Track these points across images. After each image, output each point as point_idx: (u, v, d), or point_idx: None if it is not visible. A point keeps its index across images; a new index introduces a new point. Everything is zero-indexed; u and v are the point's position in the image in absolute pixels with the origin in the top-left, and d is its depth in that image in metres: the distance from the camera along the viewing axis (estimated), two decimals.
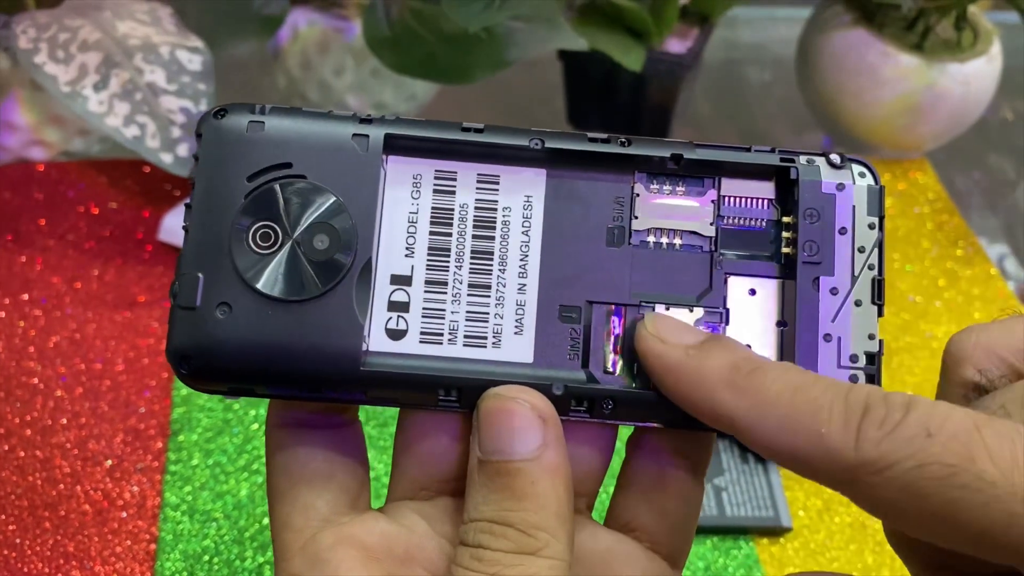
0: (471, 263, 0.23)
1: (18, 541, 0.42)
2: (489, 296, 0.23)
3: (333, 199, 0.23)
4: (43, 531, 0.42)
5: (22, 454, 0.44)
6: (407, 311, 0.23)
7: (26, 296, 0.49)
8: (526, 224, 0.24)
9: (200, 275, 0.23)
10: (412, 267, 0.23)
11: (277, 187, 0.23)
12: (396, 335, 0.23)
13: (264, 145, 0.23)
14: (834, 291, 0.23)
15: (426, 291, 0.23)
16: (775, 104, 0.74)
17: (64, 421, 0.45)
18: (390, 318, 0.23)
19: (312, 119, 0.23)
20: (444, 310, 0.23)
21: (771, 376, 0.20)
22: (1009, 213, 0.68)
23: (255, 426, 0.46)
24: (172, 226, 0.50)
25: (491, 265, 0.23)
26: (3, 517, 0.43)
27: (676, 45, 0.59)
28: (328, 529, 0.23)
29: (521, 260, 0.24)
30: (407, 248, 0.23)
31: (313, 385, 0.23)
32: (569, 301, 0.23)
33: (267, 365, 0.22)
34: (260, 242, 0.23)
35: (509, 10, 0.49)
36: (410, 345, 0.23)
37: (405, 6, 0.52)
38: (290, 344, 0.22)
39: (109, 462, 0.44)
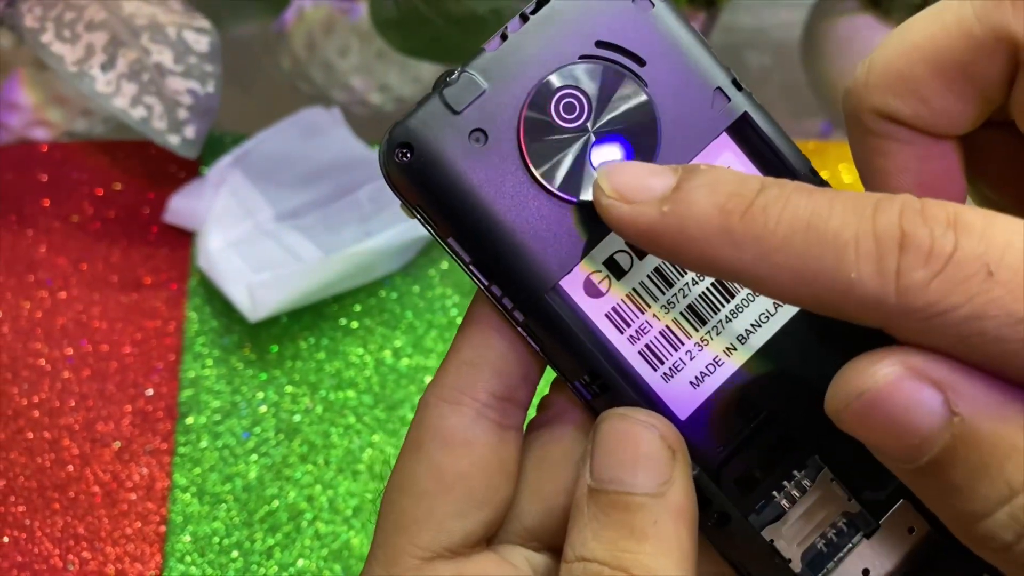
0: (707, 288, 0.21)
1: (28, 523, 0.42)
2: (697, 330, 0.21)
3: (655, 134, 0.21)
4: (52, 512, 0.42)
5: (30, 435, 0.44)
6: (618, 278, 0.21)
7: (32, 278, 0.49)
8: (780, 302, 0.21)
9: (486, 88, 0.20)
10: None
11: (616, 73, 0.20)
12: (592, 292, 0.20)
13: (638, 25, 0.21)
14: None
15: (648, 276, 0.21)
16: (775, 89, 0.74)
17: (72, 403, 0.45)
18: (598, 272, 0.20)
19: (696, 42, 0.21)
20: (648, 307, 0.21)
21: (772, 213, 0.16)
22: None
23: (263, 408, 0.46)
24: (178, 208, 0.50)
25: (723, 305, 0.21)
26: (12, 498, 0.43)
27: None
28: (451, 563, 0.20)
29: (752, 325, 0.21)
30: None
31: (492, 269, 0.20)
32: (760, 401, 0.21)
33: (472, 217, 0.20)
34: (563, 112, 0.20)
35: None
36: (594, 311, 0.20)
37: None
38: (509, 219, 0.20)
39: (117, 444, 0.44)
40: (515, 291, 0.20)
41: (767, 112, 0.21)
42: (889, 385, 0.16)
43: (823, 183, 0.21)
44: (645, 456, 0.19)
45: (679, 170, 0.18)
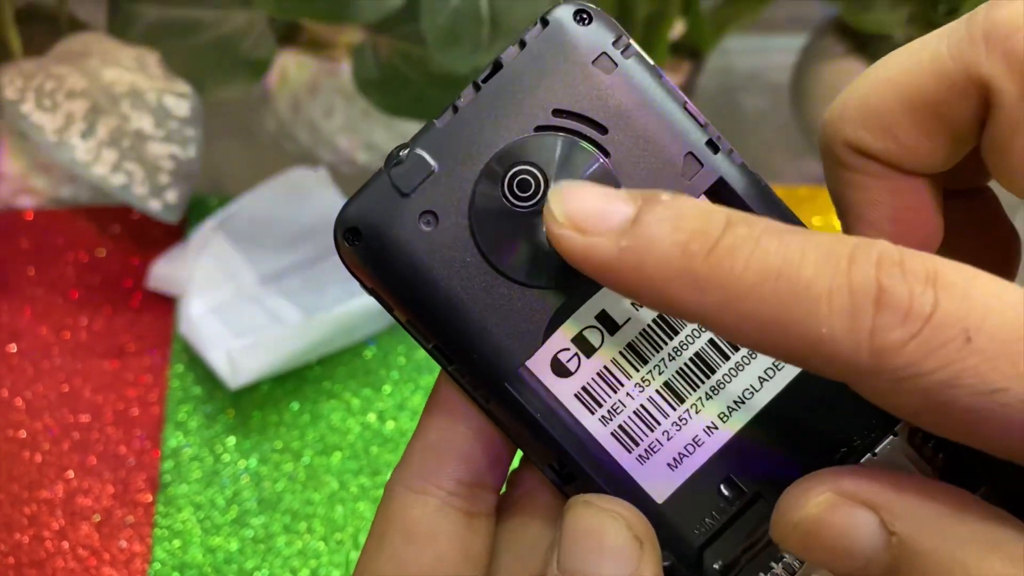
0: (687, 363, 0.20)
1: None
2: (675, 409, 0.20)
3: None
4: None
5: (9, 511, 0.44)
6: (588, 356, 0.19)
7: (14, 347, 0.49)
8: (768, 374, 0.20)
9: (435, 166, 0.19)
10: (629, 319, 0.19)
11: (574, 145, 0.19)
12: (560, 371, 0.20)
13: (599, 90, 0.19)
14: None
15: (620, 352, 0.20)
16: (772, 131, 0.73)
17: (52, 476, 0.45)
18: (566, 350, 0.19)
19: (667, 101, 0.19)
20: (621, 385, 0.20)
21: (740, 257, 0.15)
22: None
23: (245, 479, 0.45)
24: (161, 273, 0.50)
25: (703, 382, 0.20)
26: None
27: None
28: None
29: (734, 403, 0.20)
30: None
31: (451, 353, 0.20)
32: (745, 480, 0.20)
33: (426, 302, 0.19)
34: (517, 190, 0.19)
35: (496, 52, 0.49)
36: (562, 391, 0.20)
37: (393, 48, 0.52)
38: (464, 303, 0.19)
39: (97, 517, 0.44)
40: (476, 375, 0.20)
41: (751, 172, 0.20)
42: (822, 513, 0.16)
43: None
44: (611, 547, 0.18)
45: (639, 198, 0.16)
